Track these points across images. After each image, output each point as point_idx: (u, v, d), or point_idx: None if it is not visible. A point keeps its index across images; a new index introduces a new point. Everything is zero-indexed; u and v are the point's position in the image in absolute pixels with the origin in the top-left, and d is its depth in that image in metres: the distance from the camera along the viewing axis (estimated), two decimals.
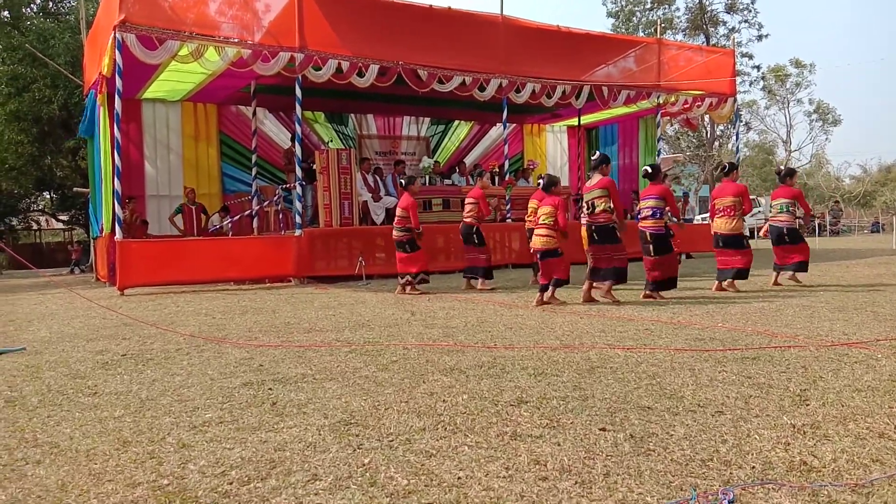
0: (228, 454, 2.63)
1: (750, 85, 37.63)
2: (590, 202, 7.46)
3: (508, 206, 12.88)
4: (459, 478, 2.27)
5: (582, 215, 7.69)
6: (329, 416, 3.10)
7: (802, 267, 8.74)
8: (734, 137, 26.40)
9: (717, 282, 8.50)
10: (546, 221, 7.46)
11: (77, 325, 6.70)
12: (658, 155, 15.84)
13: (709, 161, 36.28)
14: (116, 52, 9.42)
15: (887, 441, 2.58)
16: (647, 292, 7.74)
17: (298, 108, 10.85)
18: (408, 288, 8.80)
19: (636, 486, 2.18)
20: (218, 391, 3.74)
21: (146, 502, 2.18)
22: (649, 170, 8.12)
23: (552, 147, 18.72)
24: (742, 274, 8.26)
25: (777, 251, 8.91)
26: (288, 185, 12.10)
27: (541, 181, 8.27)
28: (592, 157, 7.80)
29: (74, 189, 20.19)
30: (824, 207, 36.95)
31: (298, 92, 10.73)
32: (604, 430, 2.77)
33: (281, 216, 12.06)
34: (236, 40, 10.18)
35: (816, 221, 29.61)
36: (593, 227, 7.42)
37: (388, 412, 3.13)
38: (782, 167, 9.53)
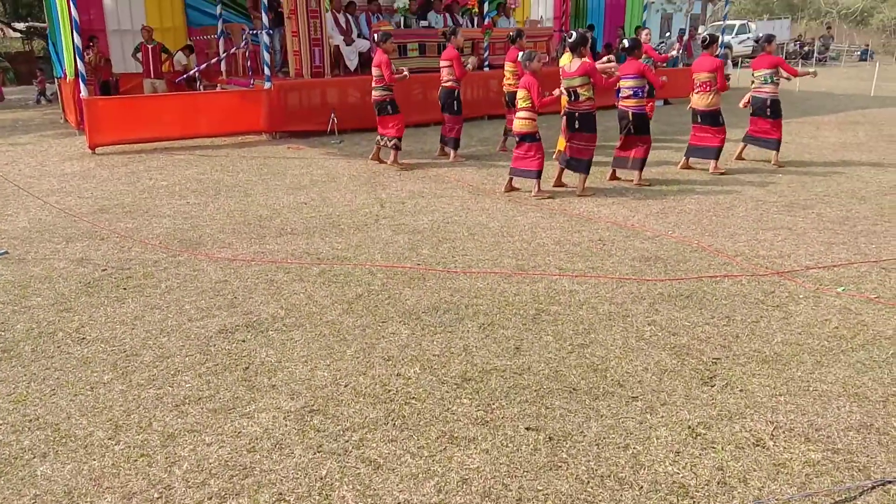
0: (208, 453, 3.08)
1: None
2: (572, 90, 7.23)
3: (487, 53, 12.50)
4: (399, 502, 2.76)
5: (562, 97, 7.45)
6: (294, 397, 3.54)
7: (776, 146, 8.85)
8: None
9: (684, 158, 8.73)
10: (524, 104, 7.31)
11: (54, 211, 6.89)
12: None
13: None
14: None
15: (761, 451, 3.08)
16: (614, 172, 8.09)
17: None
18: (382, 153, 8.93)
19: None
20: (195, 341, 4.14)
21: None
22: (626, 44, 7.95)
23: None
24: (717, 154, 8.41)
25: (753, 122, 8.93)
26: (255, 30, 11.56)
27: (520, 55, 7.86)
28: (568, 40, 7.44)
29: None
30: (819, 26, 35.78)
31: None
32: (529, 429, 3.25)
33: (248, 60, 11.66)
34: None
35: (806, 48, 28.80)
36: (576, 115, 7.27)
37: (347, 390, 3.57)
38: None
